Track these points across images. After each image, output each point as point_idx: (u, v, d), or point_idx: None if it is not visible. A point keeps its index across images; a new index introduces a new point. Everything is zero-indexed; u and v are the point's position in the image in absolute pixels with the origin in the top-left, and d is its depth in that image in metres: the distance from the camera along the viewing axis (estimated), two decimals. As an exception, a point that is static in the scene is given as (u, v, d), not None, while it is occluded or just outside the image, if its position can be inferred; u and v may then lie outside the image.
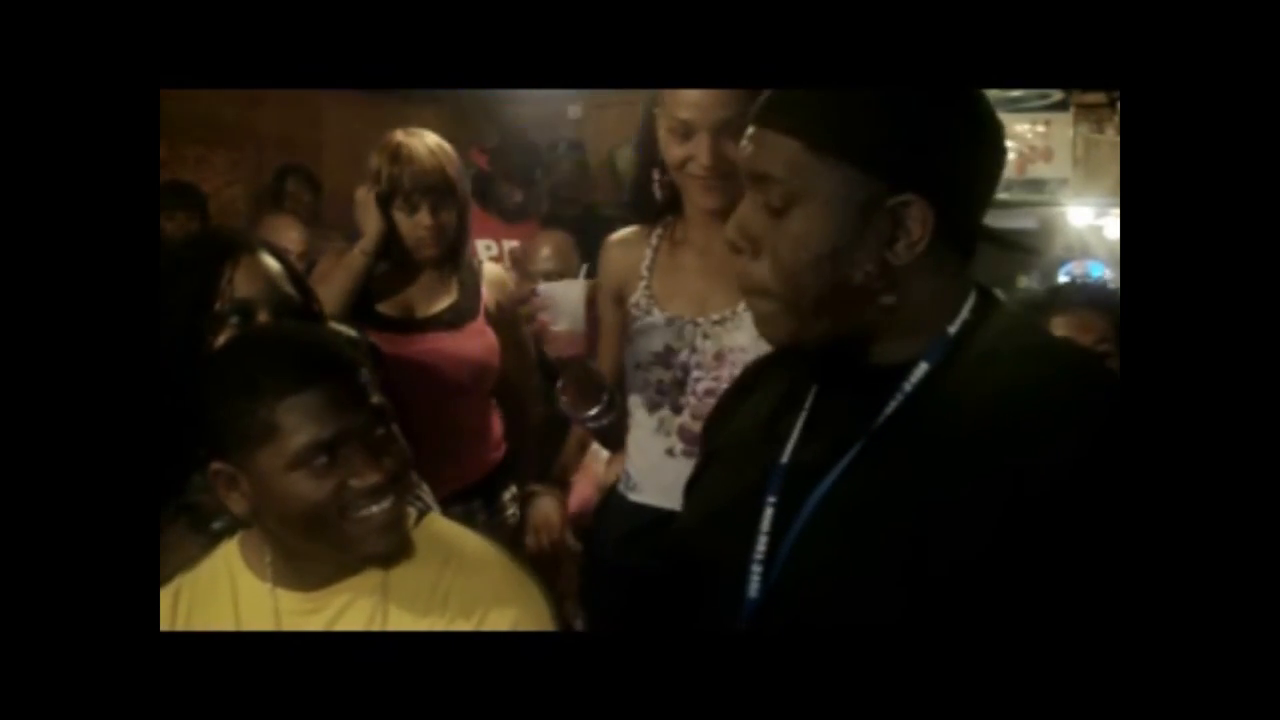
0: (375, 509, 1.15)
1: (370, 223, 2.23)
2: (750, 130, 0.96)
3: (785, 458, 0.98)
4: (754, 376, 1.16)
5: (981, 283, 0.99)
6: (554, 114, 4.81)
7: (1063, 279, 3.52)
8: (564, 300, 1.64)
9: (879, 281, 0.93)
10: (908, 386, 0.94)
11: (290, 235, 3.34)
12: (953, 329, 0.95)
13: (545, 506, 2.25)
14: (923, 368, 0.94)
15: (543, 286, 1.67)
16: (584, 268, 1.79)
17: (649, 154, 1.72)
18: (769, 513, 0.96)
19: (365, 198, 2.24)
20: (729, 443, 1.09)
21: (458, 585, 1.22)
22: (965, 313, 0.96)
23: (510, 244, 4.08)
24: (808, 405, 1.01)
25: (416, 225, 2.22)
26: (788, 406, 1.02)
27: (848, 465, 0.93)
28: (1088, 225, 3.79)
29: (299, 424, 1.12)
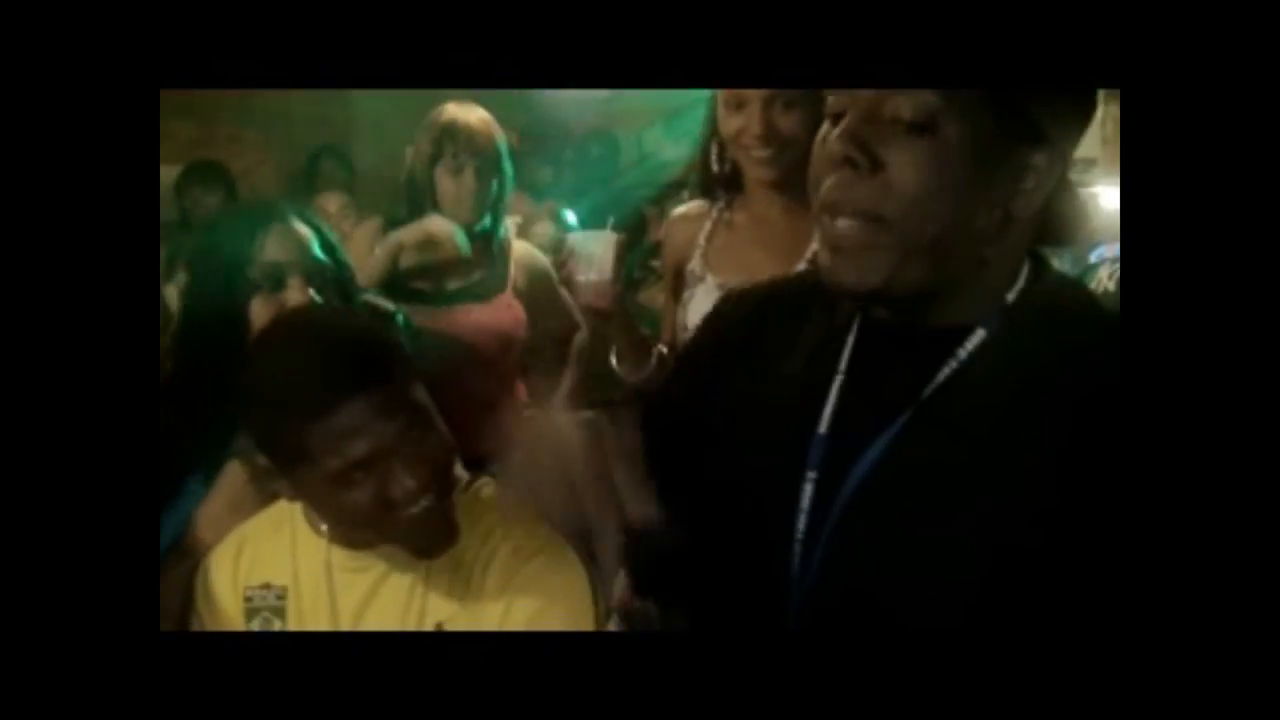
0: (415, 510, 1.14)
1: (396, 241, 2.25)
2: None
3: (824, 427, 0.91)
4: (749, 328, 1.05)
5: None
6: (582, 93, 4.81)
7: (1093, 260, 3.50)
8: (591, 250, 1.66)
9: (995, 230, 0.86)
10: (962, 354, 0.88)
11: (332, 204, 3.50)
12: (1011, 295, 0.90)
13: None
14: (980, 334, 0.88)
15: (571, 236, 1.69)
16: (610, 221, 1.80)
17: (710, 129, 1.74)
18: (808, 489, 0.90)
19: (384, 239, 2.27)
20: (744, 402, 1.00)
21: (501, 553, 1.23)
22: (1022, 280, 0.91)
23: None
24: (843, 369, 0.94)
25: (460, 186, 2.23)
26: (817, 368, 0.95)
27: (895, 436, 0.87)
28: (1118, 207, 3.75)
29: (329, 447, 1.09)
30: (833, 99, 0.89)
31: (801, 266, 1.60)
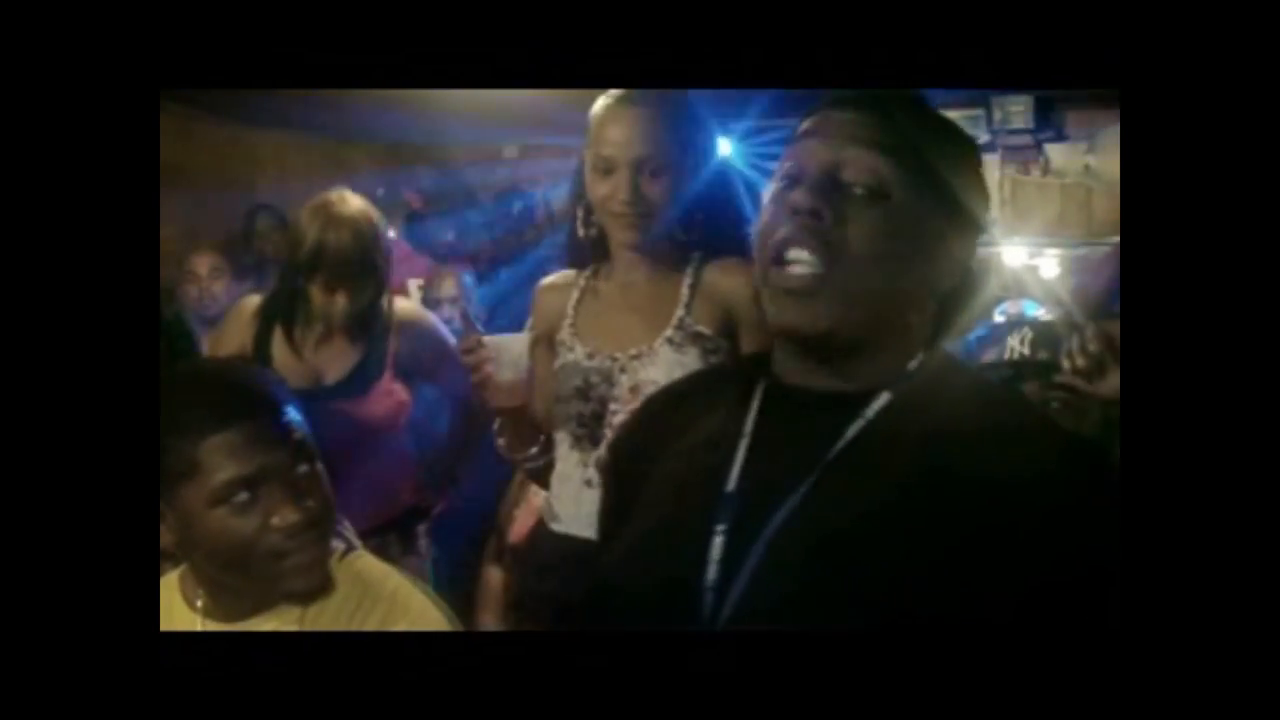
0: (296, 548, 1.16)
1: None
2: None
3: (731, 485, 0.95)
4: (668, 407, 1.13)
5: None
6: (489, 155, 4.81)
7: (998, 318, 3.58)
8: (509, 352, 1.64)
9: (919, 297, 0.95)
10: (869, 413, 0.93)
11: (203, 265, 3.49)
12: (912, 365, 0.95)
13: None
14: (885, 397, 0.93)
15: (490, 338, 1.66)
16: (530, 321, 1.78)
17: (579, 195, 1.72)
18: (718, 540, 0.92)
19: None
20: (658, 475, 1.04)
21: (372, 624, 1.22)
22: (922, 351, 0.97)
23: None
24: (748, 431, 0.97)
25: (331, 304, 2.24)
26: (723, 433, 0.99)
27: (809, 489, 0.91)
28: (1022, 265, 3.87)
29: (219, 461, 1.13)
30: (789, 162, 0.96)
31: (668, 332, 1.63)
